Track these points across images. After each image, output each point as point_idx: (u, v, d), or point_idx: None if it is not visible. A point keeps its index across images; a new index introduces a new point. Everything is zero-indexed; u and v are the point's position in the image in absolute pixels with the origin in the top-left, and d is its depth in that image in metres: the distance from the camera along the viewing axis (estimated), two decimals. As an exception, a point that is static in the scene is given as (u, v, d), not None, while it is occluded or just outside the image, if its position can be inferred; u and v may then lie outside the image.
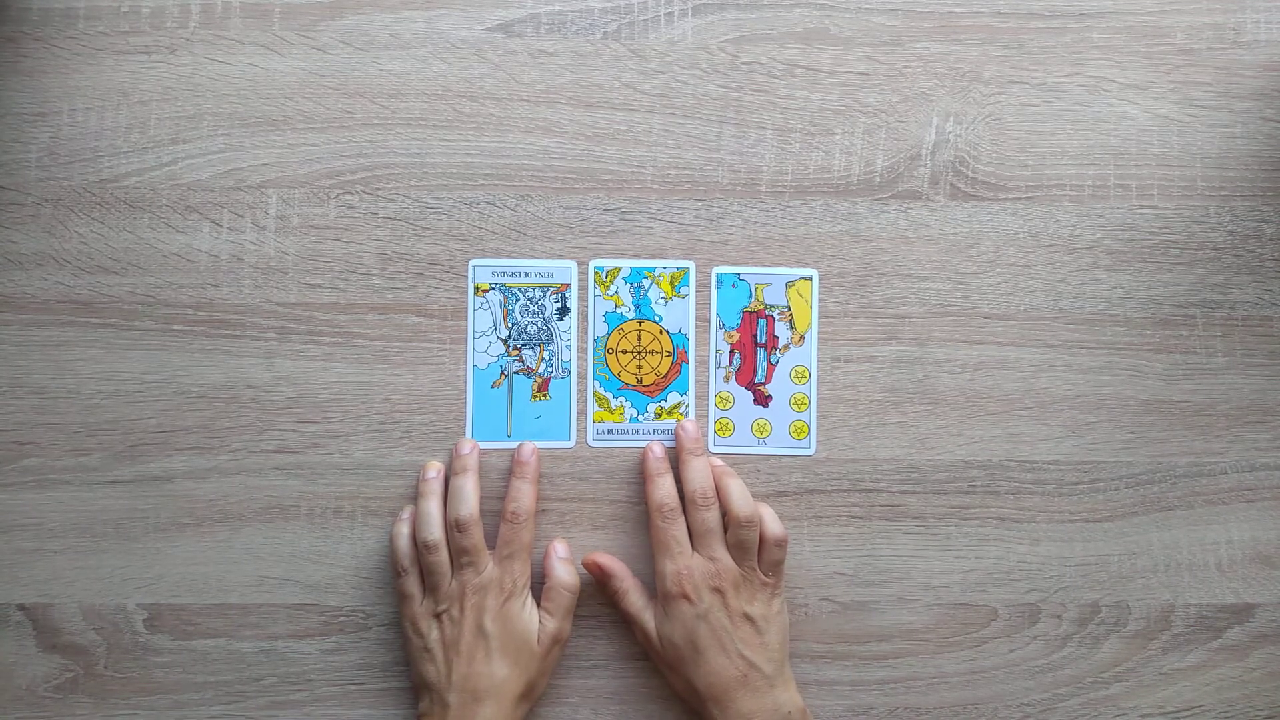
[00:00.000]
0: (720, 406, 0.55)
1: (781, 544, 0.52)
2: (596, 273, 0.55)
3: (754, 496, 0.54)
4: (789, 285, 0.56)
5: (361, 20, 0.56)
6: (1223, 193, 0.56)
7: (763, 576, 0.52)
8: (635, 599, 0.53)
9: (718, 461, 0.54)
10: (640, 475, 0.54)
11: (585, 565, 0.53)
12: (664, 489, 0.52)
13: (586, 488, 0.55)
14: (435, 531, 0.52)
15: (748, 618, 0.51)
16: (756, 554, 0.52)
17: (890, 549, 0.55)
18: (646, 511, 0.53)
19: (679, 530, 0.52)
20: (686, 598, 0.50)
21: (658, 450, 0.54)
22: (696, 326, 0.56)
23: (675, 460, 0.54)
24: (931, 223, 0.56)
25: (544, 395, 0.55)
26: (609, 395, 0.55)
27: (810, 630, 0.55)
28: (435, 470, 0.53)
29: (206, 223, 0.55)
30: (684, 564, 0.51)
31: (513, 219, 0.55)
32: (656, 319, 0.55)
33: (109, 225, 0.55)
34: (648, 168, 0.56)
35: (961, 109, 0.56)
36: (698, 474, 0.52)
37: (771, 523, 0.52)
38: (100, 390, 0.54)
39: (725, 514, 0.52)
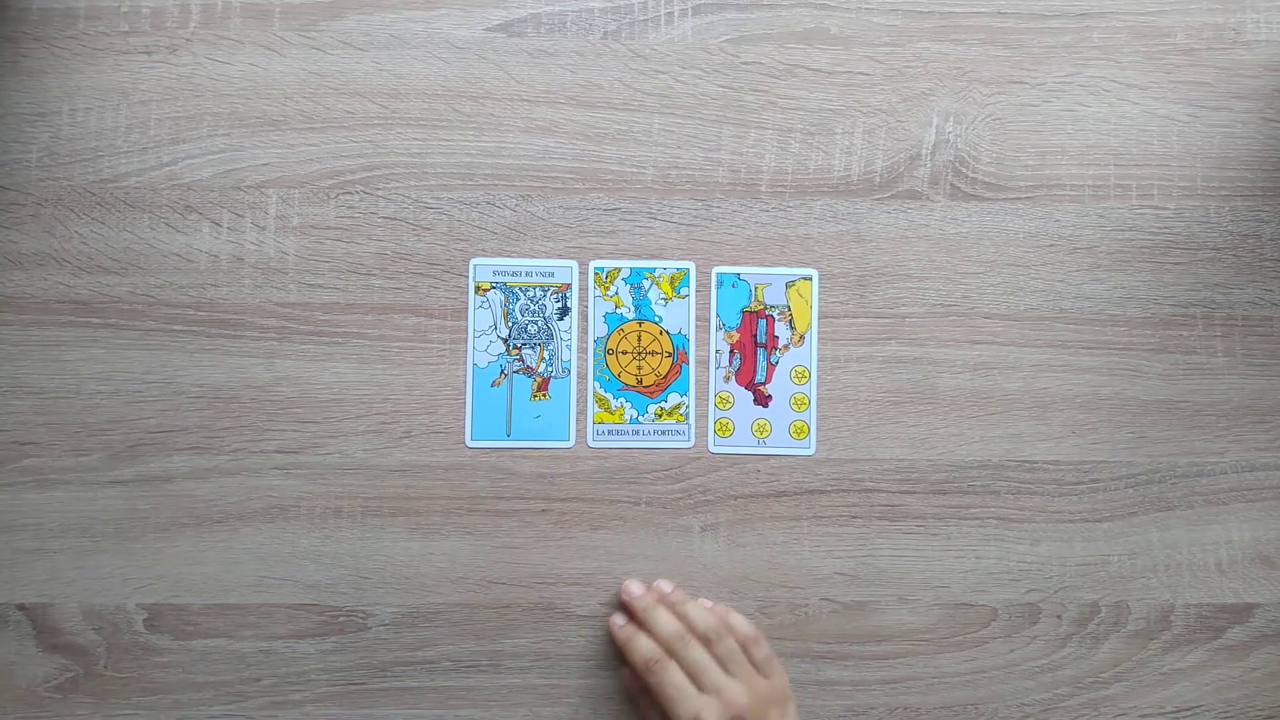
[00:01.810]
0: (720, 406, 0.55)
1: (757, 642, 0.52)
2: (596, 274, 0.55)
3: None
4: (789, 285, 0.56)
5: (361, 20, 0.56)
6: (1223, 193, 0.56)
7: (765, 680, 0.51)
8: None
9: (668, 588, 0.53)
10: (614, 644, 0.53)
11: (622, 679, 0.54)
12: (643, 647, 0.51)
13: (586, 488, 0.55)
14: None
15: None
16: (746, 661, 0.51)
17: (890, 549, 0.55)
18: (635, 674, 0.52)
19: (675, 676, 0.50)
20: None
21: (619, 620, 0.53)
22: (696, 326, 0.56)
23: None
24: (931, 223, 0.56)
25: (544, 395, 0.55)
26: (609, 396, 0.55)
27: (810, 630, 0.55)
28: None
29: (206, 223, 0.55)
30: (699, 708, 0.49)
31: (513, 219, 0.55)
32: (656, 320, 0.55)
33: (109, 225, 0.55)
34: (648, 168, 0.56)
35: (961, 109, 0.56)
36: (663, 624, 0.52)
37: (739, 625, 0.52)
38: (100, 390, 0.54)
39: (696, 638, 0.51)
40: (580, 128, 0.56)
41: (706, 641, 0.51)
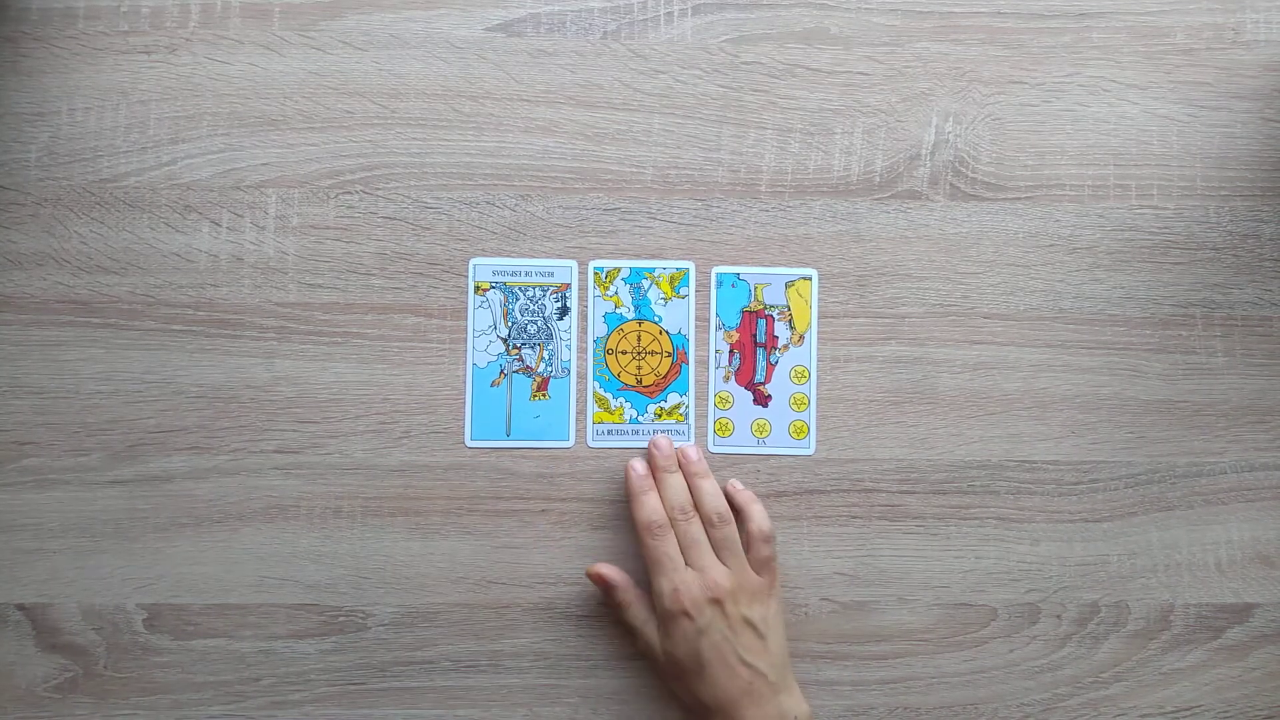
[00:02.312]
0: (720, 406, 0.55)
1: (767, 540, 0.52)
2: (596, 274, 0.55)
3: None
4: (789, 285, 0.56)
5: (361, 20, 0.56)
6: (1223, 193, 0.56)
7: (755, 575, 0.52)
8: (638, 611, 0.52)
9: (694, 456, 0.53)
10: (624, 492, 0.54)
11: (589, 575, 0.53)
12: (649, 507, 0.52)
13: (586, 488, 0.55)
14: None
15: (748, 623, 0.50)
16: (743, 551, 0.52)
17: (890, 549, 0.55)
18: (635, 530, 0.53)
19: (669, 546, 0.51)
20: (686, 614, 0.50)
21: (639, 468, 0.53)
22: (696, 326, 0.56)
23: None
24: (931, 223, 0.56)
25: (543, 395, 0.55)
26: (609, 396, 0.55)
27: (810, 630, 0.55)
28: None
29: (206, 223, 0.55)
30: (679, 580, 0.50)
31: (512, 219, 0.55)
32: (656, 320, 0.55)
33: (109, 225, 0.55)
34: (648, 168, 0.56)
35: (961, 109, 0.56)
36: (673, 490, 0.52)
37: (758, 519, 0.52)
38: (100, 390, 0.54)
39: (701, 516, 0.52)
40: (580, 128, 0.56)
41: (708, 523, 0.52)
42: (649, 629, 0.52)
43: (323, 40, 0.55)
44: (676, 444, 0.54)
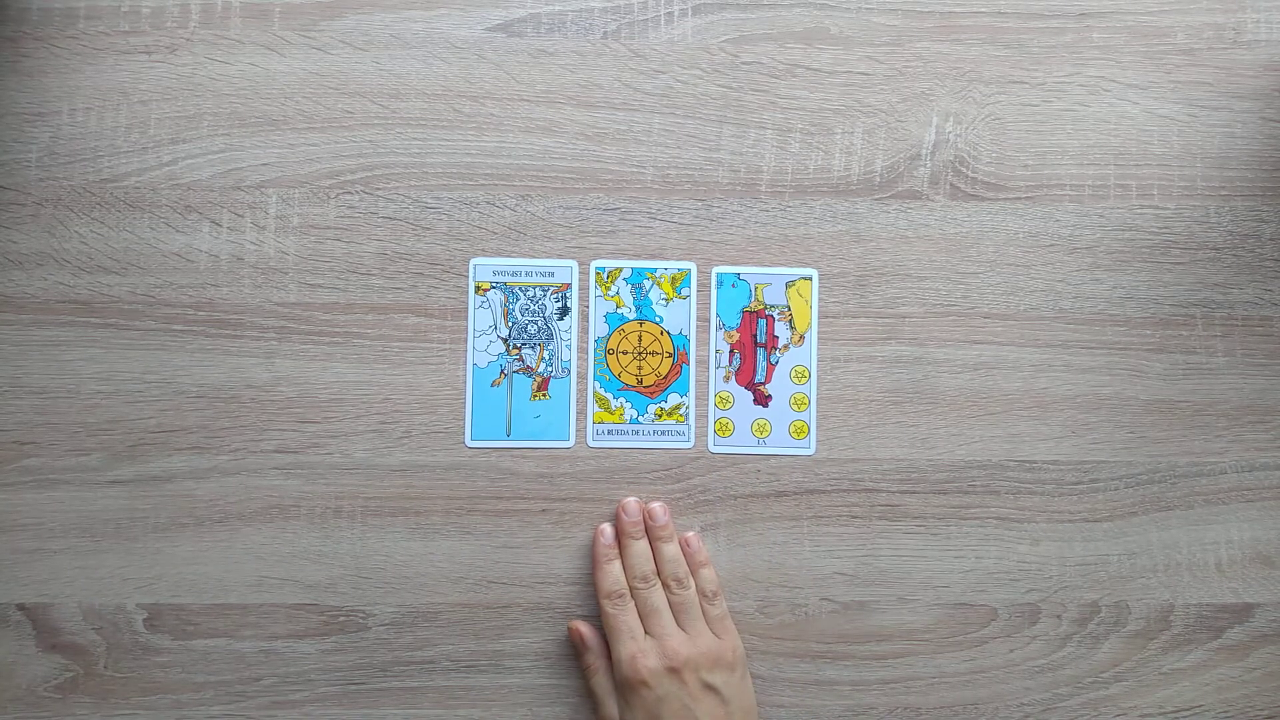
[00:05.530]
0: (720, 406, 0.55)
1: (711, 599, 0.52)
2: (598, 273, 0.55)
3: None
4: (789, 285, 0.56)
5: (361, 20, 0.56)
6: (1223, 193, 0.56)
7: (715, 639, 0.52)
8: (602, 680, 0.52)
9: (660, 519, 0.53)
10: (590, 559, 0.54)
11: (569, 629, 0.54)
12: (612, 576, 0.52)
13: (586, 488, 0.55)
14: None
15: (710, 688, 0.50)
16: (701, 614, 0.52)
17: (890, 549, 0.55)
18: (596, 598, 0.53)
19: (629, 615, 0.52)
20: (644, 683, 0.50)
21: (608, 534, 0.53)
22: (696, 326, 0.56)
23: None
24: (931, 223, 0.56)
25: (543, 395, 0.55)
26: (609, 396, 0.55)
27: (810, 630, 0.55)
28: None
29: (206, 223, 0.55)
30: (636, 649, 0.50)
31: (513, 219, 0.55)
32: (657, 320, 0.55)
33: (109, 225, 0.55)
34: (648, 168, 0.56)
35: (961, 109, 0.56)
36: (637, 559, 0.53)
37: (704, 580, 0.53)
38: (100, 390, 0.54)
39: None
40: (580, 128, 0.56)
41: (667, 588, 0.52)
42: (610, 701, 0.52)
43: (323, 40, 0.55)
44: (653, 502, 0.54)
